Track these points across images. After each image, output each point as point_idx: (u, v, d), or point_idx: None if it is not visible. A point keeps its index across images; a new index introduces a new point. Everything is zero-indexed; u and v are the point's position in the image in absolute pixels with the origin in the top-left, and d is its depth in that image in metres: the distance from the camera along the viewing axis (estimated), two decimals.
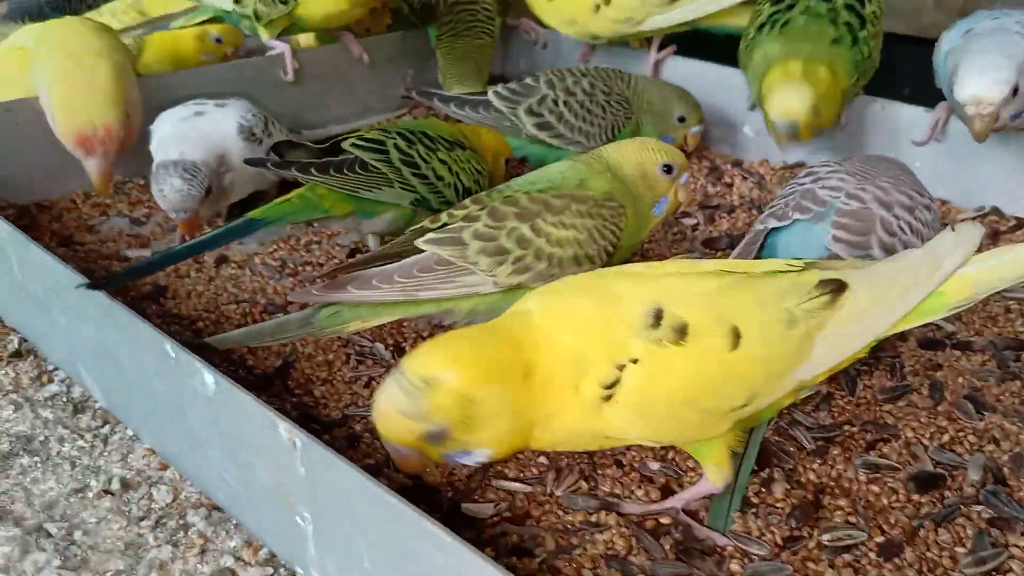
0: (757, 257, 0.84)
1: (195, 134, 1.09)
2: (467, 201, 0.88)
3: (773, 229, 0.85)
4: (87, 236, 1.13)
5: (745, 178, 1.27)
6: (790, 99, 1.11)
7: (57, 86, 1.06)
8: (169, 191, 1.01)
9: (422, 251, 0.83)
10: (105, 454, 0.82)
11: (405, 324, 0.94)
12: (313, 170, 0.95)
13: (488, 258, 0.83)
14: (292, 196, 0.97)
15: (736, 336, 0.63)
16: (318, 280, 0.88)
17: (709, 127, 1.35)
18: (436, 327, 0.92)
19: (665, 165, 0.93)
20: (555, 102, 1.22)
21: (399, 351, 0.90)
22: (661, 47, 1.39)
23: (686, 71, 1.37)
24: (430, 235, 0.85)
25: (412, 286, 0.82)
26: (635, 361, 0.61)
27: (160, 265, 0.94)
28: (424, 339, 0.92)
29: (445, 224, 0.85)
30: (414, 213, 1.01)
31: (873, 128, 1.24)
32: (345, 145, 0.99)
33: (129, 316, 0.72)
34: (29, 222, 1.14)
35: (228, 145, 1.10)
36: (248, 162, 0.99)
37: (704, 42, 1.38)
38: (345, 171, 0.96)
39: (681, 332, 0.62)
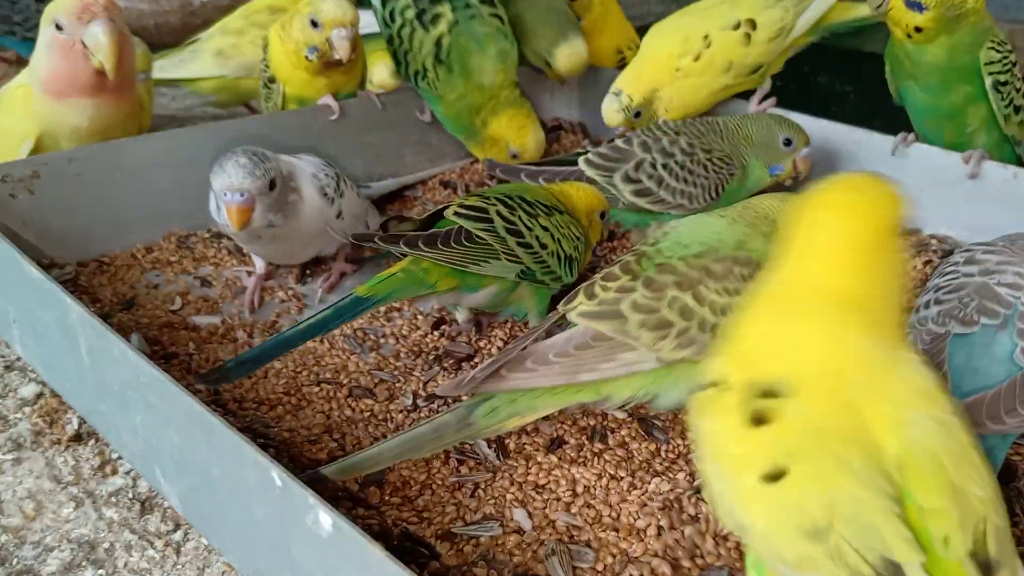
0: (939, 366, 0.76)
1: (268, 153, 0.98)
2: (616, 270, 0.79)
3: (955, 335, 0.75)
4: (150, 298, 1.03)
5: None
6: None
7: None
8: (231, 167, 0.91)
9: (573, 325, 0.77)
10: (179, 567, 0.72)
11: None
12: (421, 244, 0.85)
13: (650, 332, 0.75)
14: (396, 271, 0.87)
15: None
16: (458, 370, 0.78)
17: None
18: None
19: None
20: (653, 166, 1.10)
21: (502, 449, 0.80)
22: (763, 98, 1.28)
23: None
24: (584, 308, 0.77)
25: (571, 366, 0.74)
26: None
27: (271, 355, 0.82)
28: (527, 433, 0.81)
29: (595, 296, 0.78)
30: (515, 286, 0.92)
31: (1005, 198, 1.12)
32: (448, 214, 0.90)
33: (229, 433, 0.61)
34: (88, 282, 1.05)
35: (301, 177, 1.00)
36: (356, 238, 0.89)
37: (808, 92, 1.27)
38: (452, 243, 0.86)
39: None
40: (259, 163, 0.92)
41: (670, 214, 1.10)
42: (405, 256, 0.88)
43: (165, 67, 1.44)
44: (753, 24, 1.20)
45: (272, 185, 0.93)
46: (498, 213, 0.90)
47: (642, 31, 1.51)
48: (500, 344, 0.95)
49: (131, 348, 0.71)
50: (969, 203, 1.13)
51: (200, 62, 1.45)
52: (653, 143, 1.11)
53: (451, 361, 0.93)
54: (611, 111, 1.25)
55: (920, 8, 1.05)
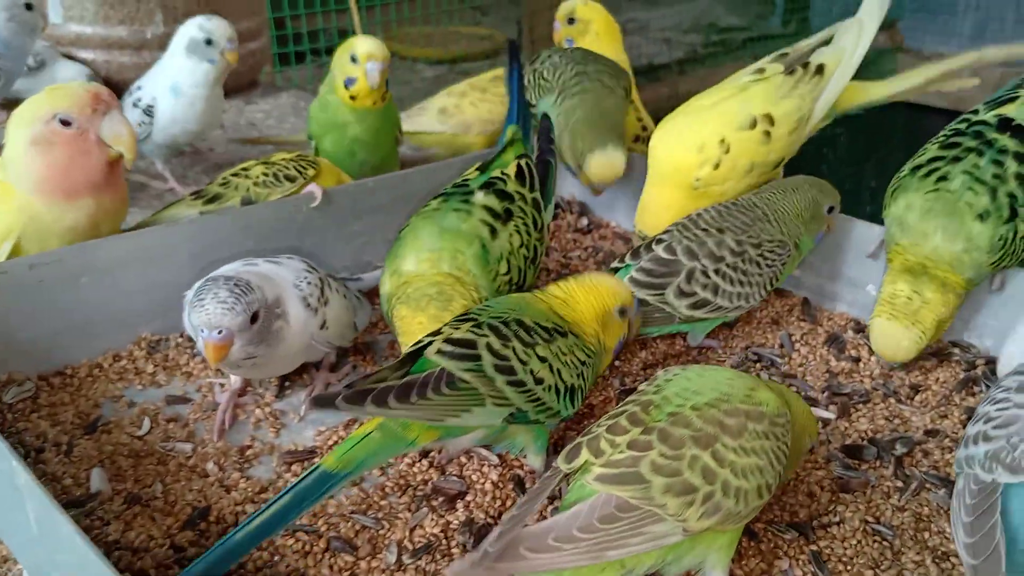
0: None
1: (251, 269, 0.94)
2: (623, 421, 0.72)
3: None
4: (117, 418, 0.94)
5: (873, 352, 1.07)
6: (892, 344, 1.00)
7: None
8: (211, 302, 0.83)
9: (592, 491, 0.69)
10: None
11: None
12: (392, 399, 0.75)
13: (676, 498, 0.67)
14: (370, 430, 0.78)
15: None
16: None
17: (825, 283, 1.16)
18: None
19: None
20: (705, 274, 1.01)
21: None
22: None
23: None
24: (599, 470, 0.69)
25: (598, 543, 0.66)
26: None
27: (227, 563, 0.70)
28: None
29: (602, 453, 0.70)
30: (505, 428, 0.82)
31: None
32: (430, 353, 0.80)
33: None
34: (49, 399, 0.96)
35: (285, 295, 0.92)
36: (316, 401, 0.77)
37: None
38: (430, 393, 0.76)
39: None
40: (240, 297, 0.84)
41: (728, 317, 1.04)
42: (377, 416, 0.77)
43: None
44: (771, 119, 1.11)
45: (255, 318, 0.85)
46: (488, 347, 0.80)
47: (634, 73, 1.44)
48: (494, 478, 0.87)
49: (79, 534, 0.62)
50: (993, 309, 1.05)
51: (426, 117, 1.60)
52: (699, 248, 1.02)
53: (441, 500, 0.84)
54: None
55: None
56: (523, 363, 0.80)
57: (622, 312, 0.91)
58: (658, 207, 1.15)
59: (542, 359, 0.82)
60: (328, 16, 2.99)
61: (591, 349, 0.87)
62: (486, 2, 2.98)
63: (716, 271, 1.01)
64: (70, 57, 1.86)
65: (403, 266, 0.96)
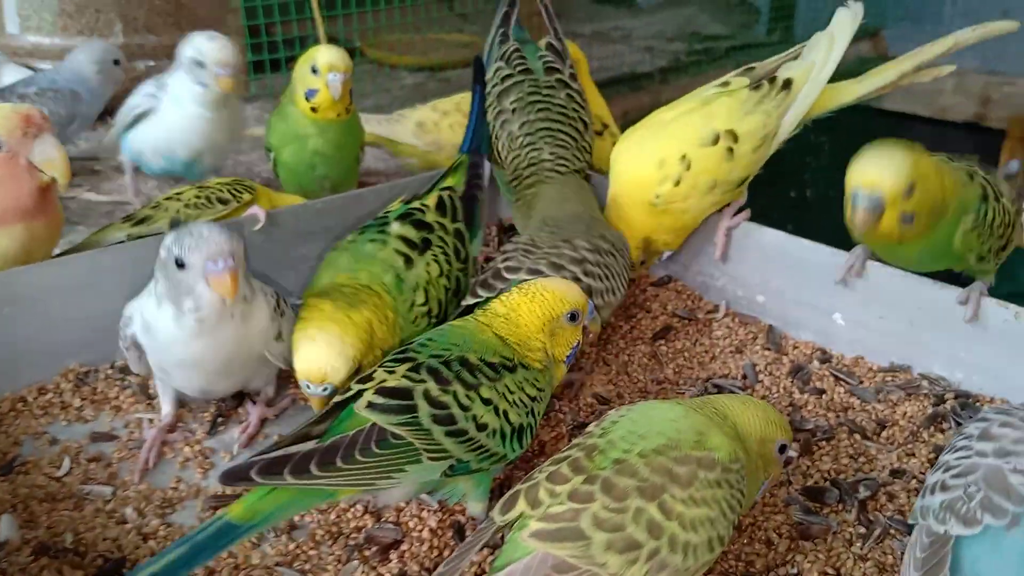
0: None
1: None
2: (565, 469, 0.67)
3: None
4: (36, 457, 0.88)
5: (839, 381, 1.02)
6: (879, 163, 0.90)
7: None
8: (209, 232, 0.82)
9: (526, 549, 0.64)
10: None
11: None
12: (315, 468, 0.69)
13: (618, 556, 0.63)
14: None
15: None
16: None
17: (790, 309, 1.11)
18: None
19: (781, 445, 0.76)
20: (576, 279, 0.96)
21: None
22: (737, 211, 1.14)
23: (763, 242, 1.13)
24: (535, 525, 0.64)
25: None
26: None
27: None
28: None
29: (540, 503, 0.66)
30: (442, 479, 0.76)
31: (1004, 338, 0.99)
32: (359, 408, 0.73)
33: None
34: None
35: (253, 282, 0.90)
36: (226, 477, 0.70)
37: (785, 206, 1.14)
38: (357, 455, 0.70)
39: None
40: (224, 227, 0.84)
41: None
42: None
43: (371, 122, 1.48)
44: (734, 136, 1.06)
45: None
46: (425, 395, 0.73)
47: (616, 82, 1.37)
48: (433, 524, 0.81)
49: None
50: (964, 340, 1.00)
51: (402, 127, 1.51)
52: (558, 258, 0.98)
53: (374, 549, 0.78)
54: None
55: (911, 220, 0.92)
56: (464, 409, 0.74)
57: (573, 317, 0.83)
58: (624, 229, 1.10)
59: (486, 402, 0.76)
60: (304, 24, 2.94)
61: (540, 381, 0.81)
62: (469, 9, 2.92)
63: (585, 273, 0.97)
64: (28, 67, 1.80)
65: (317, 288, 0.92)
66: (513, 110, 1.21)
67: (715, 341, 1.10)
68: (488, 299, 0.91)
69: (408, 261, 0.94)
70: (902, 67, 1.09)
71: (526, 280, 0.93)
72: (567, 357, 0.85)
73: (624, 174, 1.10)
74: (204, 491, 0.86)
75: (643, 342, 1.10)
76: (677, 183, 1.06)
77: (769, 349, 1.08)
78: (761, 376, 1.03)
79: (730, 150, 1.06)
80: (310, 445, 0.72)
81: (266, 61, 2.74)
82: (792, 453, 0.81)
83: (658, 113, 1.13)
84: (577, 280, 0.94)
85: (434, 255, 0.96)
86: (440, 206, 1.01)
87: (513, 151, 1.20)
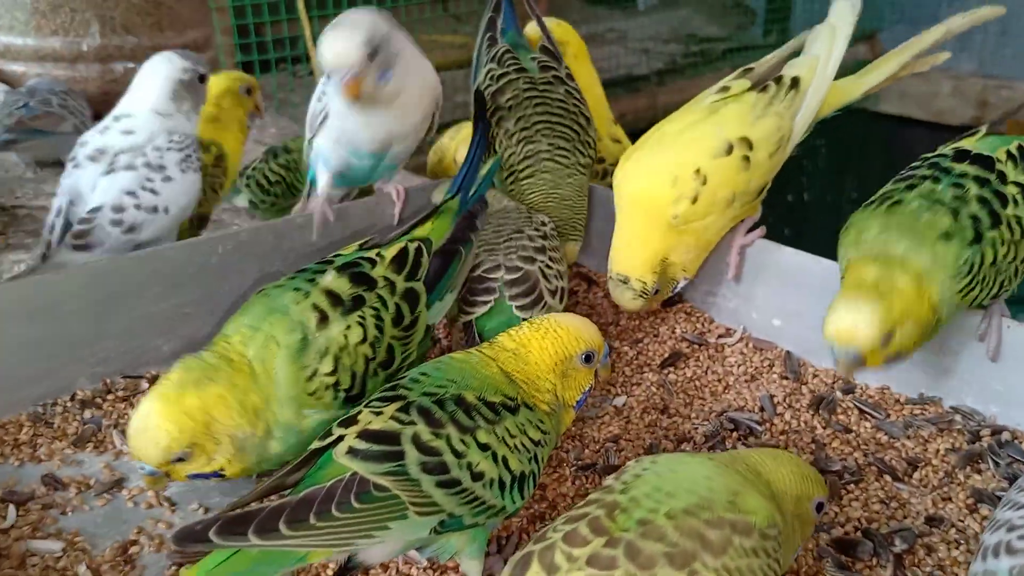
0: None
1: None
2: (583, 529, 0.58)
3: None
4: None
5: (864, 414, 0.93)
6: (850, 319, 0.80)
7: None
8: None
9: None
10: None
11: None
12: (283, 527, 0.60)
13: None
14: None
15: None
16: None
17: (809, 334, 1.01)
18: None
19: (819, 503, 0.68)
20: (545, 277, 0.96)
21: None
22: (751, 228, 1.05)
23: (780, 261, 1.03)
24: None
25: None
26: None
27: None
28: None
29: (559, 569, 0.56)
30: (434, 535, 0.67)
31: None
32: (339, 454, 0.64)
33: None
34: None
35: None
36: (179, 538, 0.61)
37: (781, 212, 1.05)
38: (334, 512, 0.61)
39: None
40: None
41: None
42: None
43: None
44: (748, 143, 0.96)
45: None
46: (415, 440, 0.64)
47: (612, 84, 1.29)
48: None
49: None
50: (999, 370, 0.90)
51: None
52: (522, 260, 0.96)
53: None
54: (629, 302, 1.01)
55: (898, 357, 0.83)
56: (458, 456, 0.65)
57: (587, 358, 0.75)
58: (638, 248, 1.00)
59: (483, 447, 0.66)
60: (294, 24, 2.84)
61: (545, 424, 0.72)
62: (462, 10, 2.83)
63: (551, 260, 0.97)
64: None
65: (223, 331, 0.79)
66: (509, 107, 1.12)
67: (728, 369, 1.00)
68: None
69: (323, 320, 0.77)
70: (901, 57, 1.03)
71: (511, 279, 0.94)
72: (577, 402, 0.77)
73: (634, 195, 1.00)
74: (168, 544, 0.76)
75: (650, 370, 1.00)
76: (694, 200, 0.96)
77: (787, 378, 0.99)
78: (780, 408, 0.94)
79: (746, 159, 0.96)
80: (279, 502, 0.62)
81: (255, 62, 2.64)
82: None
83: (660, 127, 1.03)
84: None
85: (361, 317, 0.79)
86: (399, 259, 0.84)
87: (509, 148, 1.10)
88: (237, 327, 0.77)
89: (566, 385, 0.75)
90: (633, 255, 1.00)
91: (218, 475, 0.73)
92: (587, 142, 1.13)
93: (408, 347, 0.82)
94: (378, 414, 0.67)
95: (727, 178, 0.97)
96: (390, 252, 0.84)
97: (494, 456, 0.67)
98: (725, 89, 1.01)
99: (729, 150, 0.96)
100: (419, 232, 0.90)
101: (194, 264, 0.98)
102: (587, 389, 0.77)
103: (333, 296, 0.78)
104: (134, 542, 0.76)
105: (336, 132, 1.04)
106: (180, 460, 0.71)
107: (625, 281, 1.00)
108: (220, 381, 0.72)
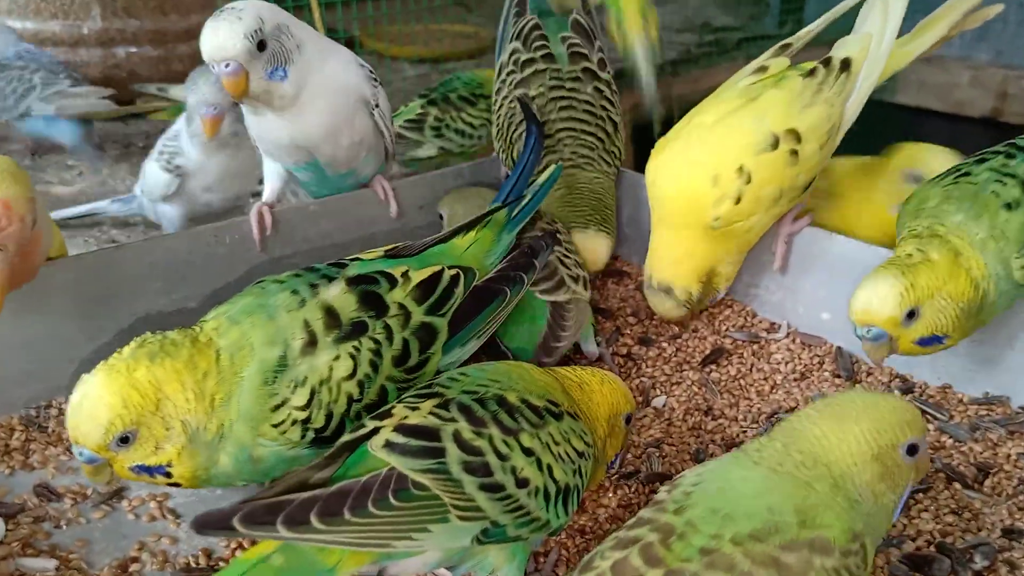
0: None
1: None
2: (636, 558, 0.51)
3: None
4: None
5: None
6: (867, 295, 0.75)
7: None
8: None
9: None
10: None
11: None
12: (316, 518, 0.54)
13: None
14: (271, 551, 0.55)
15: None
16: None
17: None
18: None
19: (911, 445, 0.57)
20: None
21: None
22: (798, 215, 0.96)
23: (830, 251, 0.95)
24: None
25: None
26: None
27: None
28: None
29: None
30: (474, 544, 0.59)
31: None
32: (375, 446, 0.57)
33: None
34: None
35: None
36: (199, 523, 0.55)
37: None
38: (371, 508, 0.55)
39: None
40: None
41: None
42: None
43: None
44: (796, 135, 0.88)
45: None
46: (455, 437, 0.58)
47: (625, 74, 1.21)
48: None
49: None
50: None
51: None
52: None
53: None
54: (671, 311, 0.94)
55: (938, 340, 0.76)
56: (502, 458, 0.59)
57: (628, 420, 0.72)
58: (684, 257, 0.92)
59: (527, 452, 0.60)
60: (301, 11, 2.76)
61: (589, 437, 0.66)
62: None
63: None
64: None
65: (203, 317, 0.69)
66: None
67: (775, 367, 0.92)
68: None
69: (310, 344, 0.66)
70: (951, 16, 0.95)
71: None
72: (610, 463, 0.73)
73: (670, 196, 0.91)
74: (173, 561, 0.69)
75: (691, 368, 0.92)
76: (737, 200, 0.87)
77: (839, 376, 0.91)
78: None
79: (794, 152, 0.88)
80: (310, 493, 0.56)
81: None
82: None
83: (693, 116, 0.94)
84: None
85: (355, 348, 0.67)
86: (426, 285, 0.73)
87: None
88: (217, 315, 0.68)
89: (610, 439, 0.70)
90: (678, 264, 0.92)
91: (166, 473, 0.63)
92: (612, 152, 1.06)
93: (405, 391, 0.69)
94: (414, 409, 0.61)
95: (773, 175, 0.88)
96: (419, 274, 0.73)
97: (538, 463, 0.60)
98: (762, 69, 0.92)
99: (775, 144, 0.88)
100: (459, 243, 0.79)
101: (198, 255, 0.90)
102: (620, 451, 0.73)
103: (331, 315, 0.67)
104: (135, 559, 0.69)
105: (258, 142, 0.94)
106: (124, 443, 0.61)
107: (668, 291, 0.93)
108: (179, 358, 0.63)
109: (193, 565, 0.68)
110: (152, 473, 0.63)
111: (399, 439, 0.58)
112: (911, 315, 0.74)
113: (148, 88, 1.38)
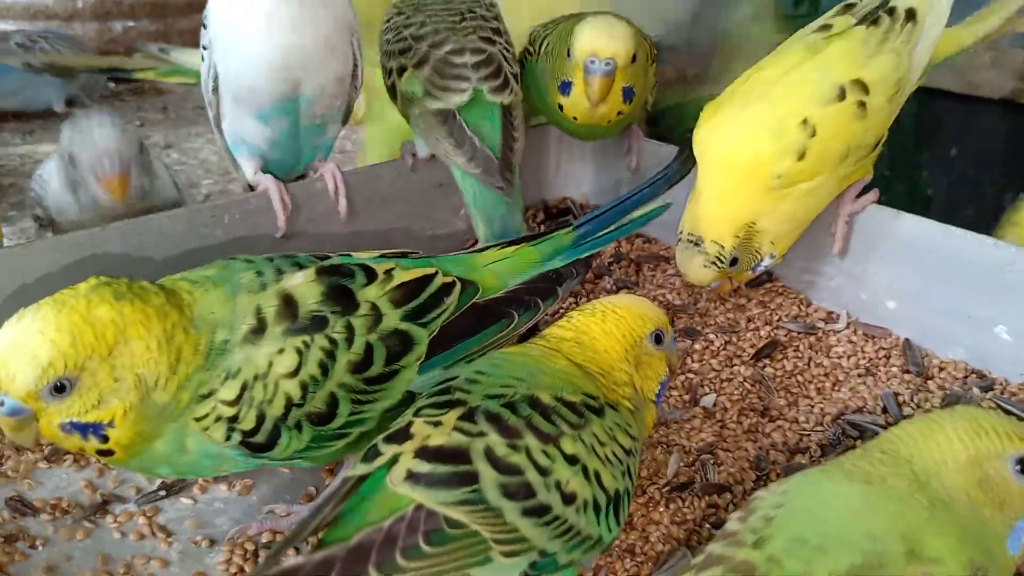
0: None
1: None
2: None
3: None
4: None
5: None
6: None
7: None
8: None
9: None
10: None
11: None
12: None
13: None
14: None
15: None
16: None
17: (933, 319, 0.83)
18: None
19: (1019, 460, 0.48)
20: None
21: None
22: (861, 192, 0.86)
23: (897, 231, 0.85)
24: None
25: None
26: None
27: None
28: None
29: None
30: None
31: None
32: (396, 481, 0.48)
33: None
34: None
35: None
36: None
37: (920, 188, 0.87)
38: (401, 560, 0.46)
39: None
40: None
41: None
42: None
43: None
44: (863, 86, 0.79)
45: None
46: (487, 455, 0.49)
47: None
48: None
49: None
50: None
51: None
52: None
53: None
54: (698, 270, 0.82)
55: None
56: (543, 473, 0.50)
57: (658, 339, 0.61)
58: (720, 207, 0.81)
59: (571, 460, 0.51)
60: None
61: (633, 428, 0.56)
62: None
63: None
64: None
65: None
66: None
67: (836, 361, 0.82)
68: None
69: (257, 332, 0.57)
70: (1002, 13, 0.90)
71: (476, 61, 0.84)
72: (657, 395, 0.61)
73: (726, 153, 0.81)
74: None
75: (741, 362, 0.82)
76: (801, 156, 0.78)
77: (908, 371, 0.81)
78: (907, 410, 0.76)
79: (861, 105, 0.79)
80: (323, 552, 0.46)
81: None
82: None
83: (750, 75, 0.85)
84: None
85: (304, 343, 0.57)
86: (408, 288, 0.62)
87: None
88: (183, 277, 0.59)
89: (643, 375, 0.60)
90: (713, 214, 0.81)
91: (102, 436, 0.53)
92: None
93: (364, 409, 0.59)
94: (436, 425, 0.51)
95: (840, 129, 0.79)
96: (405, 274, 0.63)
97: (584, 471, 0.51)
98: (825, 27, 0.83)
99: (841, 95, 0.79)
100: (482, 259, 0.68)
101: (195, 236, 0.80)
102: (664, 379, 0.62)
103: (288, 304, 0.58)
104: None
105: (232, 86, 0.81)
106: (59, 392, 0.51)
107: (697, 243, 0.81)
108: (152, 303, 0.54)
109: None
110: (85, 434, 0.53)
111: (423, 467, 0.48)
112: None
113: (149, 48, 1.28)
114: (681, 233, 0.83)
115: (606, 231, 0.73)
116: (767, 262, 0.84)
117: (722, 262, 0.82)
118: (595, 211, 0.74)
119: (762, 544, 0.44)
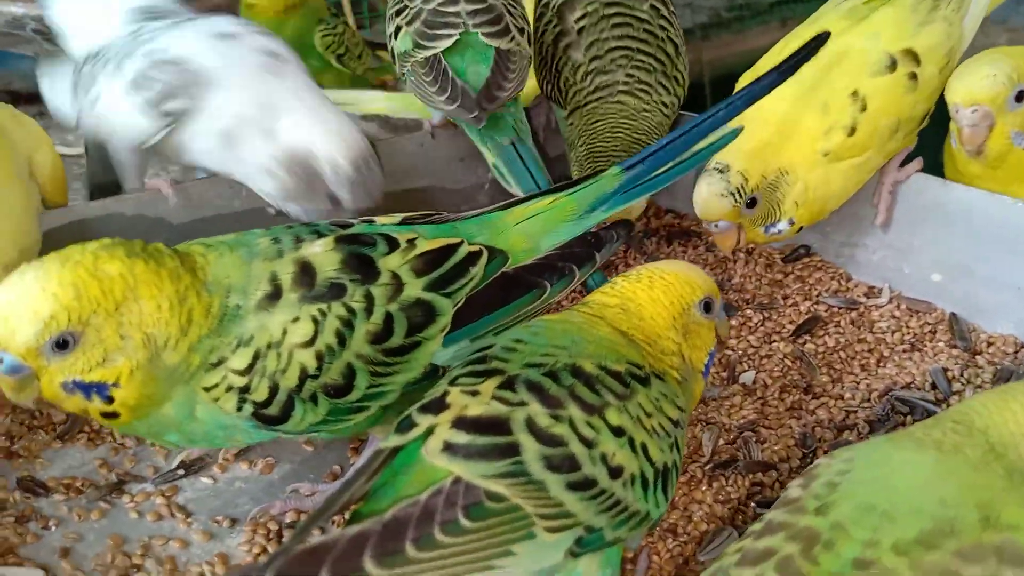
0: None
1: None
2: (770, 572, 0.39)
3: None
4: None
5: None
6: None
7: None
8: None
9: None
10: None
11: None
12: (369, 564, 0.41)
13: None
14: None
15: None
16: None
17: (980, 292, 0.79)
18: None
19: None
20: None
21: None
22: (905, 160, 0.82)
23: (943, 201, 0.81)
24: None
25: None
26: None
27: None
28: None
29: None
30: (567, 559, 0.47)
31: None
32: (432, 453, 0.45)
33: None
34: None
35: None
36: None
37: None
38: (440, 536, 0.42)
39: None
40: None
41: None
42: None
43: None
44: (914, 56, 0.75)
45: None
46: (529, 425, 0.46)
47: None
48: None
49: None
50: None
51: None
52: None
53: None
54: (712, 194, 0.74)
55: None
56: (588, 445, 0.47)
57: (707, 307, 0.58)
58: (764, 154, 0.75)
59: (617, 432, 0.48)
60: None
61: (680, 399, 0.53)
62: None
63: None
64: None
65: None
66: (580, 29, 0.90)
67: (880, 336, 0.79)
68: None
69: (272, 298, 0.54)
70: None
71: (473, 9, 0.81)
72: (706, 366, 0.58)
73: (766, 130, 0.76)
74: (184, 568, 0.56)
75: (781, 338, 0.79)
76: (852, 131, 0.74)
77: (955, 347, 0.77)
78: (956, 385, 0.72)
79: (913, 76, 0.75)
80: (356, 527, 0.43)
81: None
82: None
83: (790, 41, 0.81)
84: None
85: (321, 311, 0.54)
86: (431, 256, 0.59)
87: (575, 84, 0.89)
88: (198, 242, 0.56)
89: (691, 345, 0.57)
90: (750, 147, 0.74)
91: (107, 397, 0.50)
92: (675, 77, 0.91)
93: (384, 382, 0.56)
94: (474, 394, 0.48)
95: (891, 101, 0.75)
96: (428, 243, 0.59)
97: (631, 443, 0.48)
98: None
99: (892, 66, 0.75)
100: (512, 218, 0.63)
101: (210, 211, 0.77)
102: (712, 350, 0.58)
103: (305, 271, 0.55)
104: (138, 567, 0.57)
105: None
106: (62, 348, 0.48)
107: (722, 170, 0.74)
108: (165, 264, 0.51)
109: (208, 574, 0.56)
110: (89, 394, 0.50)
111: (461, 438, 0.45)
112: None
113: None
114: (709, 162, 0.76)
115: (662, 169, 0.64)
116: (783, 226, 0.77)
117: (740, 195, 0.74)
118: (647, 148, 0.66)
119: (826, 510, 0.42)
